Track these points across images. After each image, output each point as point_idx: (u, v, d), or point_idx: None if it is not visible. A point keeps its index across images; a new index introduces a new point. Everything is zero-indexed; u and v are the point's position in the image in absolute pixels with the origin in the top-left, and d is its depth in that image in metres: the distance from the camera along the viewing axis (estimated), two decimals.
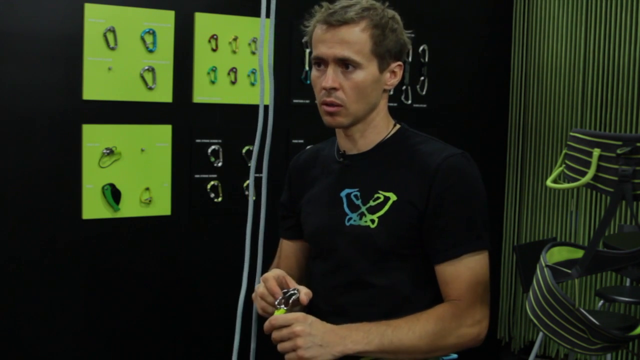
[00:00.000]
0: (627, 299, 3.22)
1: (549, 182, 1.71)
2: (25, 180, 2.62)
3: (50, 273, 2.68)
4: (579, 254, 1.64)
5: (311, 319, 1.38)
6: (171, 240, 2.94)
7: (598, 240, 1.49)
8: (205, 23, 2.91)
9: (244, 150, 3.03)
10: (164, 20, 2.81)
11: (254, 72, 3.03)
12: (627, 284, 3.51)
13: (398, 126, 1.63)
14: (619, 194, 1.38)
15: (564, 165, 1.66)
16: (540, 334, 3.35)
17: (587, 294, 3.76)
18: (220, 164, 2.99)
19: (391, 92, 1.67)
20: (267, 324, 1.38)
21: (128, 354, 2.87)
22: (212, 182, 2.98)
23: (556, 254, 1.69)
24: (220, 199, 2.99)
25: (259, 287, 1.49)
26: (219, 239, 3.01)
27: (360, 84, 1.49)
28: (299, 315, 1.37)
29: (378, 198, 1.53)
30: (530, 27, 3.97)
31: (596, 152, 1.40)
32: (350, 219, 1.55)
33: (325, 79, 1.49)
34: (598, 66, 3.70)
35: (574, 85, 3.81)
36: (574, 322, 1.38)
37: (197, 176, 2.95)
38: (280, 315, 1.38)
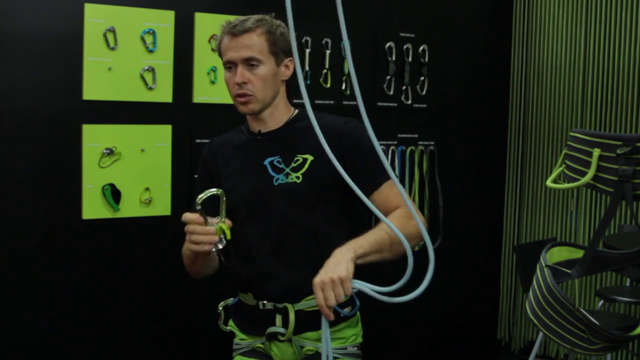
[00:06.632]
0: (627, 299, 3.21)
1: (549, 182, 1.71)
2: (25, 180, 2.62)
3: (50, 273, 2.68)
4: (579, 254, 1.64)
5: (320, 273, 1.63)
6: (171, 241, 2.93)
7: (598, 240, 1.49)
8: (205, 23, 2.91)
9: None
10: (164, 20, 2.81)
11: None
12: (627, 284, 3.51)
13: (297, 110, 2.01)
14: (619, 194, 1.38)
15: (564, 165, 1.66)
16: (540, 334, 3.35)
17: (587, 294, 3.76)
18: None
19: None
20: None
21: (128, 353, 2.87)
22: None
23: (556, 254, 1.69)
24: None
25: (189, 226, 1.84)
26: None
27: (264, 76, 1.90)
28: (315, 279, 1.62)
29: (298, 160, 1.91)
30: (530, 27, 3.97)
31: (596, 152, 1.40)
32: (277, 179, 1.91)
33: (237, 76, 1.90)
34: (598, 66, 3.70)
35: (574, 85, 3.81)
36: (574, 322, 1.38)
37: (197, 176, 2.95)
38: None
